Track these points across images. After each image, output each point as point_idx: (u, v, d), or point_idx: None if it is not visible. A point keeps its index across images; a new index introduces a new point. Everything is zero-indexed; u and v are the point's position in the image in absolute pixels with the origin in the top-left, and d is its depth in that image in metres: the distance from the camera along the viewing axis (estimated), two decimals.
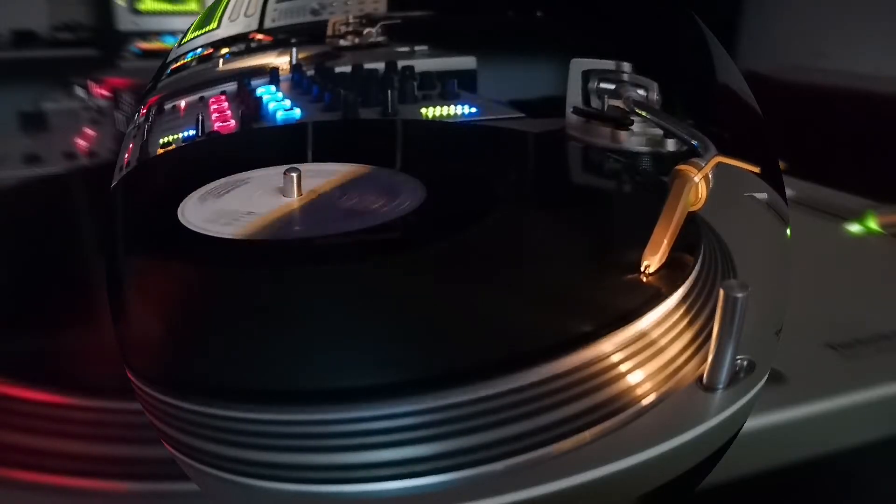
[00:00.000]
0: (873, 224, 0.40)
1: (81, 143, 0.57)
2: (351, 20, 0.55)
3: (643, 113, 0.38)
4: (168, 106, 0.41)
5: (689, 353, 0.23)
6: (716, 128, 0.31)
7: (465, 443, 0.19)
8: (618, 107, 0.41)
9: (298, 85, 0.51)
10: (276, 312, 0.24)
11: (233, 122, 0.44)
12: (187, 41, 0.45)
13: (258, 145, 0.44)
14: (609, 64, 0.42)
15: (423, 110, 0.51)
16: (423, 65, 0.55)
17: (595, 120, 0.42)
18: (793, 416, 0.24)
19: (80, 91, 0.66)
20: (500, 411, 0.19)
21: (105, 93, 0.66)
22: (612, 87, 0.41)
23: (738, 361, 0.22)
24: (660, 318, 0.23)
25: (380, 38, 0.55)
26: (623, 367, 0.21)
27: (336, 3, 0.56)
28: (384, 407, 0.19)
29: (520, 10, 0.63)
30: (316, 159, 0.38)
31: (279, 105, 0.47)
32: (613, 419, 0.20)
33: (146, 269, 0.28)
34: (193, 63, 0.45)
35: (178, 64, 0.44)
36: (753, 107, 0.30)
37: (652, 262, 0.24)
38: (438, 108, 0.51)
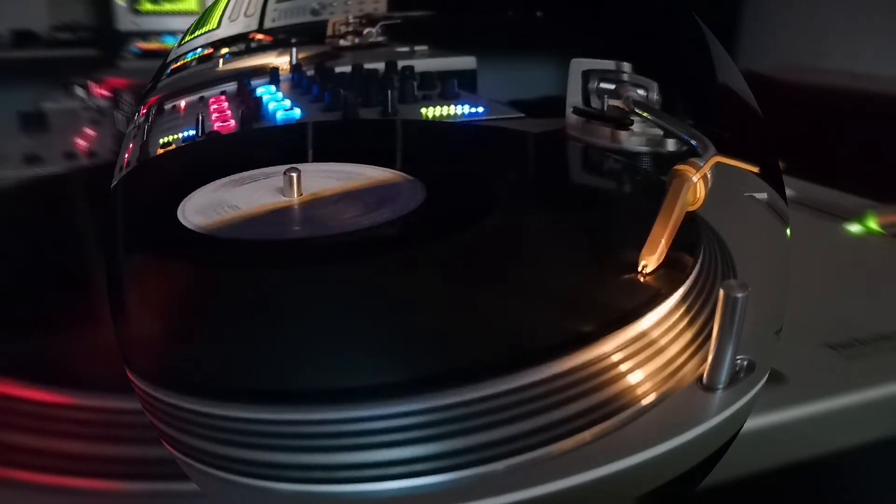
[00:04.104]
0: (873, 224, 0.40)
1: (81, 143, 0.57)
2: (351, 20, 0.55)
3: (643, 113, 0.38)
4: (168, 106, 0.41)
5: (689, 353, 0.23)
6: (716, 128, 0.31)
7: (465, 443, 0.19)
8: (618, 107, 0.41)
9: (298, 85, 0.50)
10: (276, 312, 0.24)
11: (233, 122, 0.44)
12: (187, 41, 0.45)
13: (258, 145, 0.44)
14: (609, 64, 0.42)
15: (423, 110, 0.51)
16: (423, 65, 0.55)
17: (595, 120, 0.43)
18: (793, 416, 0.24)
19: (80, 91, 0.66)
20: (500, 411, 0.19)
21: (105, 93, 0.66)
22: (612, 87, 0.41)
23: (738, 361, 0.22)
24: (660, 318, 0.23)
25: (380, 38, 0.55)
26: (623, 367, 0.21)
27: (336, 3, 0.56)
28: (384, 407, 0.19)
29: (520, 10, 0.63)
30: (317, 159, 0.38)
31: (279, 105, 0.47)
32: (613, 419, 0.20)
33: (146, 268, 0.28)
34: (193, 63, 0.45)
35: (178, 64, 0.44)
36: (753, 107, 0.30)
37: (649, 261, 0.24)
38: (438, 108, 0.51)
